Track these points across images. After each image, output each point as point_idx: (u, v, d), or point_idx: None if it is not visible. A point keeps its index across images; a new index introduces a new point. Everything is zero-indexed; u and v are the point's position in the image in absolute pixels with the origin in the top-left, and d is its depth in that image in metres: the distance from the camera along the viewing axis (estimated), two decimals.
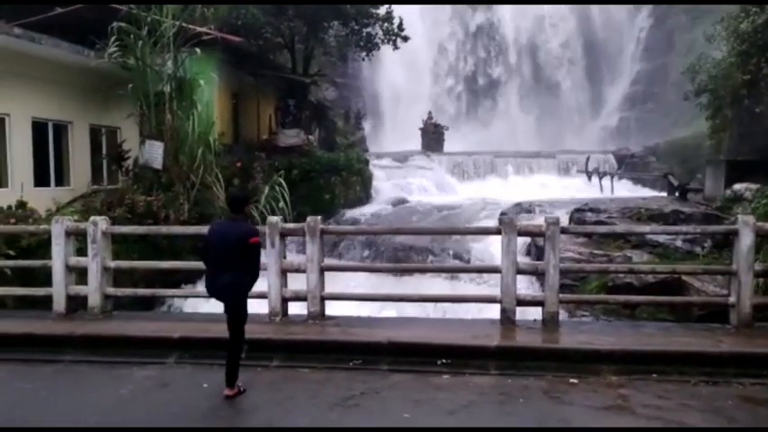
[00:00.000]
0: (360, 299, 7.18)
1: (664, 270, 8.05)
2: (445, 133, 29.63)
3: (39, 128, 13.26)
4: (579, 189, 24.32)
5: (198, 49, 14.12)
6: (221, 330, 6.52)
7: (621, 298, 7.37)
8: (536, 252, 12.83)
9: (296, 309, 7.23)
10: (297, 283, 7.18)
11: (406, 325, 6.70)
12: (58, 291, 7.08)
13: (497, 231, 6.60)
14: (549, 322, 6.51)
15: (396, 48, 21.83)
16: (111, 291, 7.13)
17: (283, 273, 6.93)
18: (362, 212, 17.85)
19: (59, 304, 7.12)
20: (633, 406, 5.06)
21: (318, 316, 6.86)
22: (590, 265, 8.26)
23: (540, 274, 6.65)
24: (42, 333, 6.49)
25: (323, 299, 6.88)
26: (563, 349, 5.90)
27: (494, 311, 8.35)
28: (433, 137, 28.80)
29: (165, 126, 14.12)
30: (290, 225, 7.00)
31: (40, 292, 7.33)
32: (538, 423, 4.76)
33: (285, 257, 7.02)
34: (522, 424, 4.74)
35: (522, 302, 6.63)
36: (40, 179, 13.26)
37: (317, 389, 5.45)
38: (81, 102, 14.33)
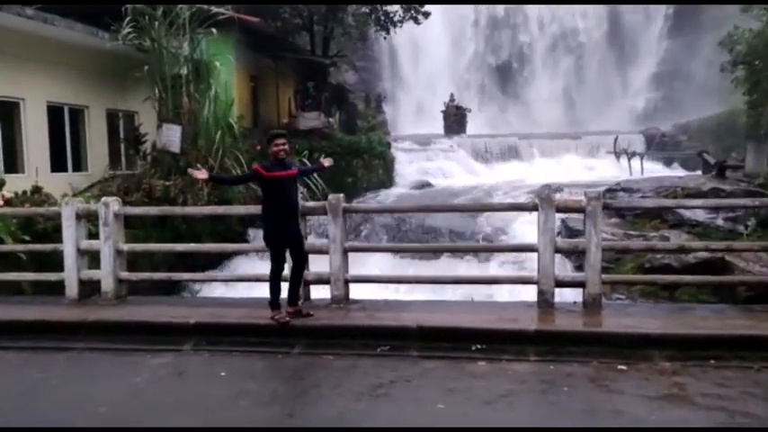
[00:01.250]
0: (386, 281, 6.75)
1: (718, 247, 7.46)
2: (467, 116, 28.93)
3: (54, 112, 13.03)
4: (607, 170, 23.60)
5: (214, 30, 13.73)
6: (239, 316, 6.18)
7: (670, 278, 6.84)
8: (567, 233, 12.31)
9: (318, 293, 6.85)
10: (318, 265, 6.80)
11: (436, 309, 6.26)
12: (70, 275, 6.78)
13: (534, 208, 6.11)
14: (591, 305, 6.01)
15: (417, 23, 21.19)
16: (124, 275, 6.81)
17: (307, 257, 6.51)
18: (386, 195, 17.42)
19: (72, 289, 6.82)
20: (691, 395, 4.57)
21: (342, 300, 6.45)
22: (635, 242, 7.71)
23: (579, 253, 6.14)
24: (54, 319, 6.19)
25: (347, 282, 6.47)
26: (609, 333, 5.41)
27: (527, 294, 7.94)
28: (455, 119, 28.19)
29: (183, 109, 13.83)
30: (311, 204, 6.59)
31: (51, 276, 7.04)
32: (586, 414, 4.30)
33: (306, 238, 6.61)
34: (568, 415, 4.28)
35: (561, 284, 6.15)
36: (57, 165, 13.05)
37: (343, 377, 5.05)
38: (97, 86, 14.07)
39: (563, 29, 41.27)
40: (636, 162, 22.95)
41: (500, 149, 26.15)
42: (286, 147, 5.96)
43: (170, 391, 4.89)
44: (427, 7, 21.45)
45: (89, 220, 7.27)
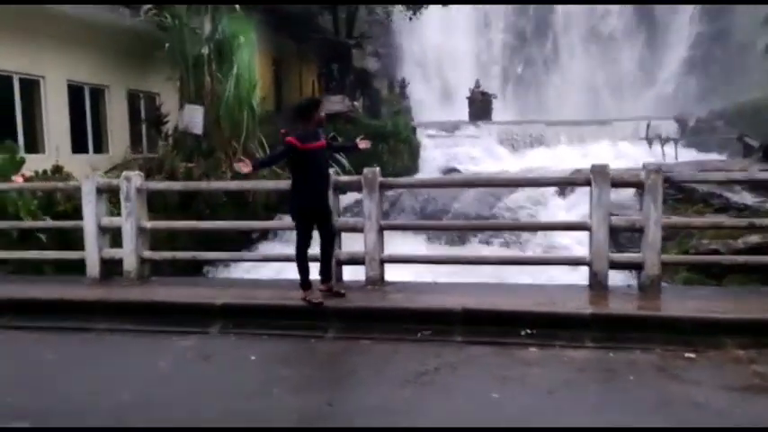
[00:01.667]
0: (424, 261, 6.29)
1: None
2: (493, 102, 28.25)
3: (75, 92, 12.77)
4: (639, 157, 22.82)
5: (237, 7, 13.33)
6: (269, 297, 5.79)
7: (741, 259, 6.26)
8: None
9: (350, 275, 6.44)
10: (349, 245, 6.39)
11: (479, 291, 5.81)
12: (91, 254, 6.44)
13: (586, 182, 5.61)
14: (649, 288, 5.51)
15: (444, 4, 20.57)
16: (147, 254, 6.45)
17: (337, 232, 6.10)
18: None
19: (93, 268, 6.49)
20: None
21: (378, 281, 6.03)
22: (700, 219, 7.14)
23: (636, 231, 5.63)
24: (73, 299, 5.86)
25: (382, 262, 6.04)
26: (673, 318, 4.91)
27: (565, 277, 7.42)
28: (480, 106, 27.49)
29: (205, 90, 13.49)
30: (345, 178, 6.16)
31: (72, 255, 6.72)
32: (662, 406, 3.82)
33: (339, 216, 6.19)
34: (642, 406, 3.81)
35: (616, 265, 5.65)
36: (78, 145, 12.81)
37: (383, 363, 4.63)
38: (118, 65, 13.77)
39: (591, 13, 40.20)
40: (669, 148, 22.12)
41: (527, 136, 25.43)
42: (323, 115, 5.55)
43: (197, 377, 4.52)
44: None
45: (111, 202, 6.93)
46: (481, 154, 22.44)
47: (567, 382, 4.23)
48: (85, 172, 11.30)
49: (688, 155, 22.70)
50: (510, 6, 39.51)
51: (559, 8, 39.85)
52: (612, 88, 39.05)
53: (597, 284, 5.59)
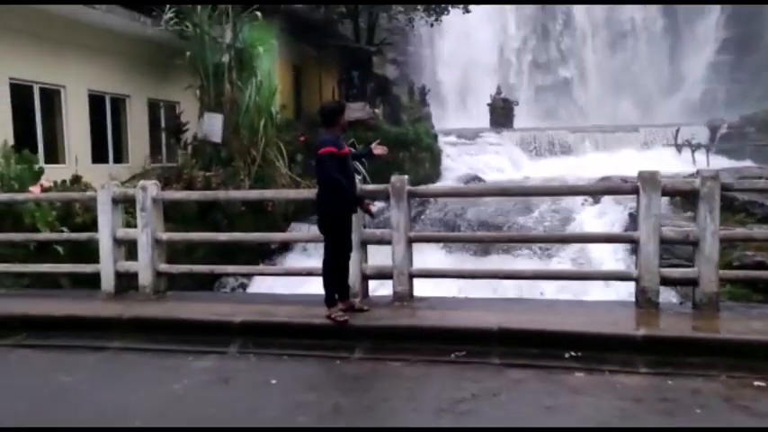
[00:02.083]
0: (458, 276, 5.89)
1: None
2: (515, 108, 27.79)
3: (95, 101, 12.63)
4: (668, 164, 22.16)
5: (259, 14, 13.12)
6: (290, 314, 5.44)
7: None
8: (630, 224, 11.27)
9: (376, 290, 6.07)
10: (376, 257, 6.02)
11: (516, 308, 5.40)
12: (106, 267, 6.16)
13: (633, 190, 5.18)
14: (706, 306, 5.05)
15: (466, 11, 20.24)
16: (164, 267, 6.15)
17: (363, 245, 5.75)
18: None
19: (108, 282, 6.20)
20: None
21: (406, 297, 5.64)
22: (762, 232, 6.64)
23: (690, 243, 5.18)
24: (87, 315, 5.57)
25: (411, 276, 5.66)
26: (738, 341, 4.45)
27: (606, 292, 6.97)
28: (501, 113, 27.07)
29: (225, 97, 13.28)
30: (371, 186, 5.79)
31: (87, 268, 6.44)
32: None
33: (365, 226, 5.83)
34: None
35: (668, 281, 5.20)
36: (98, 155, 12.66)
37: (416, 388, 4.24)
38: (138, 74, 13.63)
39: (616, 17, 39.58)
40: (700, 155, 21.45)
41: (550, 143, 24.93)
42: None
43: (214, 402, 4.16)
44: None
45: (127, 212, 6.66)
46: (504, 162, 22.02)
47: (622, 414, 3.81)
48: (105, 182, 11.30)
49: (719, 162, 22.02)
50: (531, 11, 39.07)
51: (583, 11, 39.28)
52: (637, 94, 38.38)
53: (646, 302, 5.14)
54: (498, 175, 19.85)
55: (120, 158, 13.45)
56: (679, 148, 22.37)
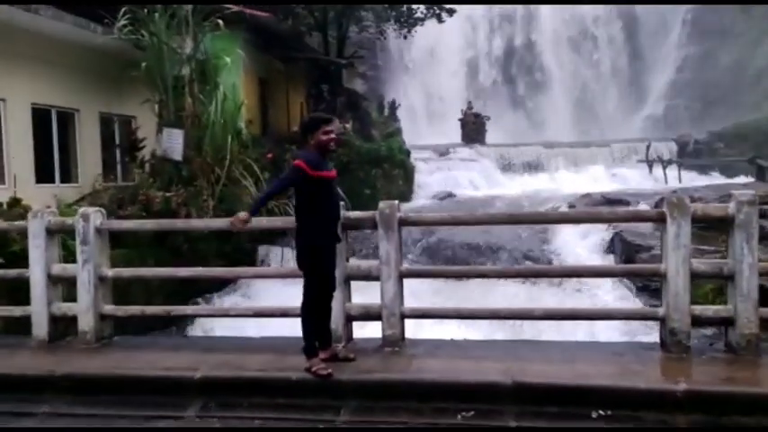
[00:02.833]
0: (458, 317, 5.11)
1: None
2: (487, 124, 27.44)
3: (40, 116, 11.53)
4: (639, 180, 22.03)
5: (221, 21, 12.25)
6: (262, 365, 4.55)
7: None
8: (622, 249, 10.73)
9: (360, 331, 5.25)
10: (361, 294, 5.21)
11: (524, 352, 4.64)
12: (38, 310, 5.18)
13: (659, 217, 4.51)
14: (744, 349, 4.38)
15: (440, 21, 19.72)
16: (109, 309, 5.20)
17: (347, 281, 4.93)
18: (408, 208, 15.80)
19: (40, 328, 5.22)
20: None
21: (398, 341, 4.84)
22: None
23: (724, 278, 4.52)
24: (10, 372, 4.59)
25: (403, 317, 4.85)
26: None
27: (606, 330, 6.30)
28: (473, 128, 26.64)
29: (186, 112, 12.32)
30: (355, 214, 4.98)
31: (15, 311, 5.44)
32: None
33: (348, 259, 5.01)
34: None
35: (699, 321, 4.52)
36: (43, 175, 11.54)
37: None
38: (89, 87, 12.59)
39: (577, 35, 39.94)
40: (672, 171, 21.32)
41: (523, 159, 24.59)
42: (334, 137, 4.42)
43: None
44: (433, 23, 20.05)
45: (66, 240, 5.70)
46: (478, 178, 21.49)
47: None
48: (48, 204, 10.20)
49: (690, 178, 21.97)
50: (497, 28, 39.13)
51: (548, 32, 39.51)
52: (601, 110, 38.64)
53: (676, 345, 4.45)
54: (473, 192, 19.29)
55: (68, 178, 12.34)
56: (650, 164, 22.23)
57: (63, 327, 5.32)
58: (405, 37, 21.17)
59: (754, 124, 23.54)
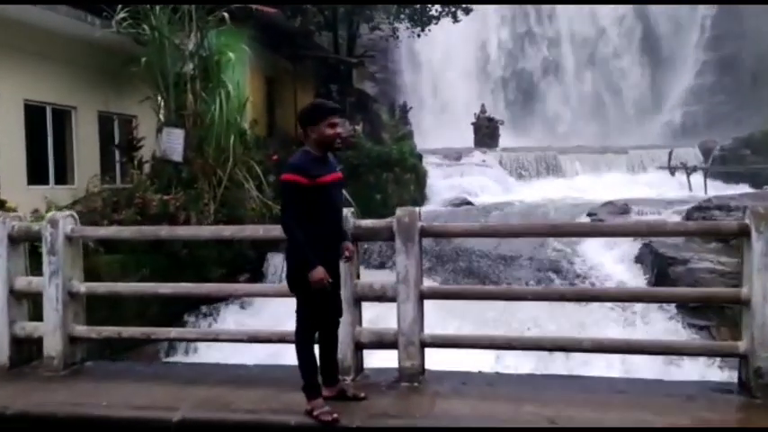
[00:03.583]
0: (491, 346, 4.29)
1: None
2: (500, 128, 26.67)
3: (34, 113, 10.86)
4: (661, 187, 21.14)
5: (226, 14, 11.58)
6: (254, 404, 3.76)
7: None
8: (653, 261, 9.93)
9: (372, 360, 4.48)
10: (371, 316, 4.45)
11: (569, 392, 3.84)
12: None
13: (741, 231, 3.71)
14: None
15: (456, 21, 18.98)
16: (80, 330, 4.45)
17: (357, 302, 4.16)
18: (425, 215, 15.02)
19: (0, 352, 4.48)
20: None
21: (417, 374, 4.06)
22: None
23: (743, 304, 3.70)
24: None
25: (424, 345, 4.07)
26: None
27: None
28: (487, 132, 25.90)
29: (187, 111, 11.65)
30: (368, 222, 4.21)
31: None
32: None
33: (359, 276, 4.24)
34: None
35: None
36: (37, 176, 10.87)
37: None
38: (87, 83, 11.93)
39: (594, 39, 39.13)
40: (696, 178, 20.41)
41: (538, 164, 23.77)
42: (342, 132, 3.65)
43: None
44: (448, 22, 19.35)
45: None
46: (492, 184, 20.71)
47: None
48: (42, 206, 9.53)
49: (714, 187, 21.05)
50: (514, 29, 38.41)
51: (564, 35, 38.71)
52: (619, 116, 37.77)
53: (762, 389, 3.63)
54: (489, 198, 18.51)
55: (63, 179, 11.67)
56: (672, 170, 21.33)
57: (28, 350, 4.59)
58: (418, 35, 20.41)
59: None
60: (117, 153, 12.75)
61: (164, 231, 4.75)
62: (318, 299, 3.54)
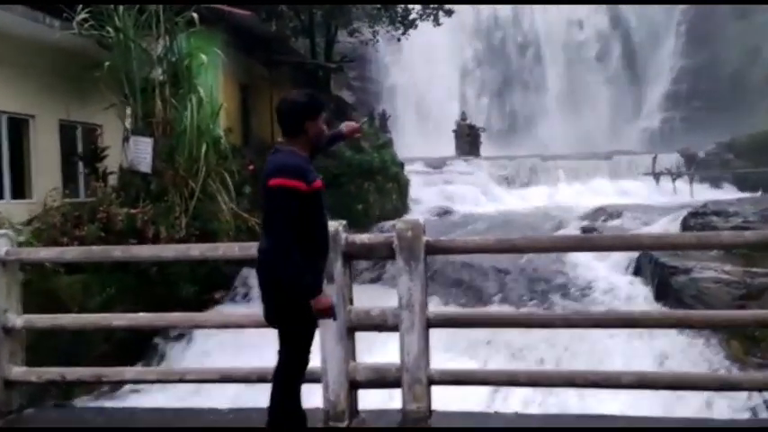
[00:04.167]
0: (509, 383, 3.67)
1: None
2: (482, 135, 26.30)
3: None
4: (647, 193, 20.91)
5: (196, 15, 10.90)
6: None
7: None
8: (654, 271, 9.50)
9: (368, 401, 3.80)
10: (367, 350, 3.79)
11: None
12: None
13: None
14: None
15: (437, 24, 18.54)
16: (17, 373, 3.70)
17: (350, 332, 3.50)
18: None
19: None
20: None
21: (423, 417, 3.40)
22: None
23: None
24: None
25: (431, 383, 3.42)
26: None
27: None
28: (467, 139, 25.49)
29: (156, 118, 10.92)
30: (365, 238, 3.56)
31: None
32: None
33: (351, 302, 3.58)
34: None
35: None
36: None
37: None
38: (47, 90, 11.10)
39: (571, 46, 39.28)
40: (680, 183, 20.21)
41: (521, 171, 23.42)
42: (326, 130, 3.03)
43: None
44: (427, 29, 18.98)
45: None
46: (476, 193, 20.25)
47: None
48: None
49: (700, 190, 20.86)
50: (489, 35, 38.35)
51: (542, 42, 38.77)
52: (596, 122, 37.83)
53: None
54: (473, 208, 18.03)
55: (21, 193, 10.83)
56: (657, 176, 21.10)
57: None
58: (398, 39, 19.93)
59: (765, 135, 22.50)
60: (80, 164, 11.93)
61: (117, 252, 4.01)
62: (302, 328, 2.88)
